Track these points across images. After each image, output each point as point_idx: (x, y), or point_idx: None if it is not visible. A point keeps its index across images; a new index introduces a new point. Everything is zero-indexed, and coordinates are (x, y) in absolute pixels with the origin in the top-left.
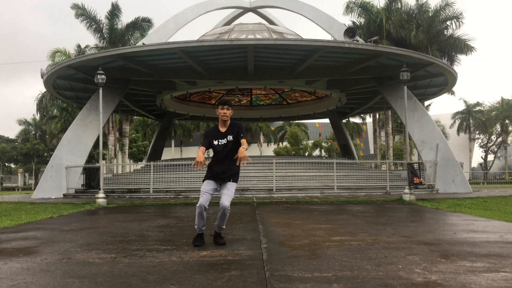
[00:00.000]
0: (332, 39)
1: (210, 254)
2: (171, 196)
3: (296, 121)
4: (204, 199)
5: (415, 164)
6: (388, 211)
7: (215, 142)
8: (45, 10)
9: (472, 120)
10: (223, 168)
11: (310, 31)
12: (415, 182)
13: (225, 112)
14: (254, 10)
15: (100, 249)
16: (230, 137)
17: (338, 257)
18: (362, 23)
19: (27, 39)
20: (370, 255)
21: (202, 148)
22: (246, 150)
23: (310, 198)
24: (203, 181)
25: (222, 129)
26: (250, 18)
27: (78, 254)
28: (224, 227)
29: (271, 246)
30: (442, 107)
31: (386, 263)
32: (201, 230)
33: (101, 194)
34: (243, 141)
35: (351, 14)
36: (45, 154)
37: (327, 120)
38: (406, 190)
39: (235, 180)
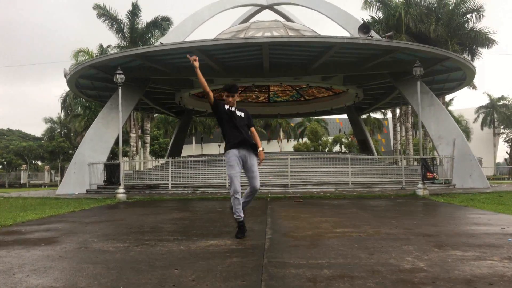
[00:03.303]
0: (348, 35)
1: (216, 243)
2: (189, 192)
3: (316, 117)
4: (238, 184)
5: (428, 159)
6: (399, 205)
7: (226, 107)
8: (74, 9)
9: (497, 114)
10: (245, 133)
11: (327, 28)
12: (428, 177)
13: (230, 100)
14: (270, 7)
15: (115, 239)
16: (240, 113)
17: (336, 246)
18: (381, 17)
19: (58, 39)
20: (367, 245)
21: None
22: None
23: (324, 193)
24: (226, 150)
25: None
26: (267, 15)
27: (95, 243)
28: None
29: (275, 237)
30: (466, 102)
31: (380, 252)
32: (241, 216)
33: (121, 189)
34: (253, 130)
35: (370, 8)
36: (70, 151)
37: (343, 117)
38: (420, 185)
39: (257, 154)
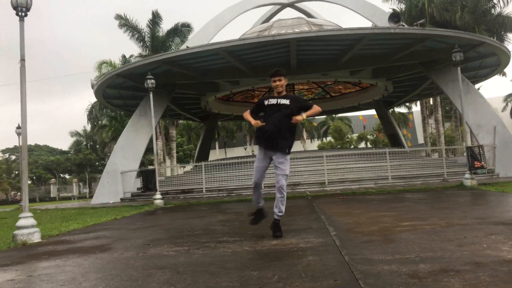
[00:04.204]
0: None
1: (281, 243)
2: (224, 195)
3: (339, 115)
4: (258, 177)
5: (475, 148)
6: (451, 196)
7: (266, 102)
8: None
9: None
10: (272, 130)
11: (348, 21)
12: (476, 166)
13: (277, 84)
14: (291, 5)
15: (171, 243)
16: (283, 101)
17: (414, 240)
18: (403, 9)
19: (78, 53)
20: (448, 237)
21: (249, 111)
22: (305, 116)
23: (365, 189)
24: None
25: (276, 95)
26: (288, 13)
27: (152, 248)
28: (282, 212)
29: (340, 233)
30: (493, 90)
31: (469, 243)
32: (258, 203)
33: (158, 195)
34: (313, 108)
35: (391, 1)
36: (97, 163)
37: (370, 112)
38: (467, 175)
39: (289, 152)
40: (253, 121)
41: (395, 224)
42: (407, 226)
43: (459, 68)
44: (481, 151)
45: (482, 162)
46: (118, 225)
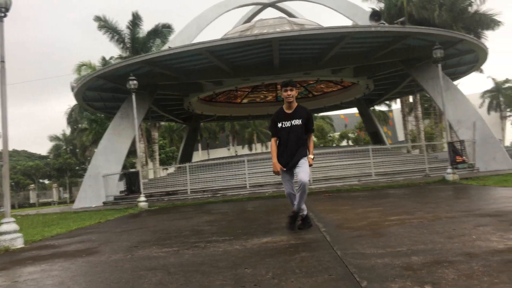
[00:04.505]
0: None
1: (272, 240)
2: (209, 196)
3: (321, 114)
4: (288, 187)
5: (456, 143)
6: (434, 191)
7: (279, 125)
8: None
9: (503, 97)
10: (292, 156)
11: (329, 21)
12: (457, 161)
13: (289, 94)
14: (272, 5)
15: (159, 245)
16: (296, 121)
17: (404, 234)
18: (382, 7)
19: (57, 56)
20: (437, 230)
21: (274, 140)
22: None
23: (349, 186)
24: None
25: (288, 111)
26: (269, 13)
27: (140, 250)
28: (304, 207)
29: (329, 229)
30: (470, 87)
31: (458, 235)
32: (293, 209)
33: (142, 198)
34: (311, 136)
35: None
36: (77, 167)
37: (352, 111)
38: (449, 170)
39: (306, 154)
40: (277, 166)
41: (383, 219)
42: (395, 221)
43: (439, 65)
44: (462, 146)
45: (464, 157)
46: (103, 229)
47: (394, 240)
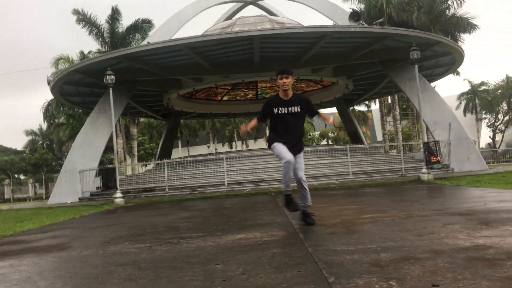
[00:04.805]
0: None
1: (245, 237)
2: (187, 193)
3: None
4: (290, 156)
5: (431, 144)
6: (409, 190)
7: (275, 111)
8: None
9: (478, 100)
10: (292, 141)
11: (310, 21)
12: (432, 161)
13: (284, 82)
14: (254, 2)
15: (132, 241)
16: (295, 109)
17: (376, 231)
18: (362, 8)
19: (35, 49)
20: (408, 228)
21: (254, 122)
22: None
23: (326, 185)
24: (270, 145)
25: (285, 98)
26: (251, 11)
27: (112, 246)
28: (308, 203)
29: (303, 227)
30: (447, 89)
31: (427, 233)
32: (289, 187)
33: (118, 194)
34: (321, 115)
35: (351, 0)
36: (54, 163)
37: (331, 110)
38: (424, 170)
39: (303, 147)
40: (247, 127)
41: (357, 217)
42: (369, 218)
43: (416, 66)
44: (437, 146)
45: (438, 157)
46: (76, 224)
47: (365, 237)
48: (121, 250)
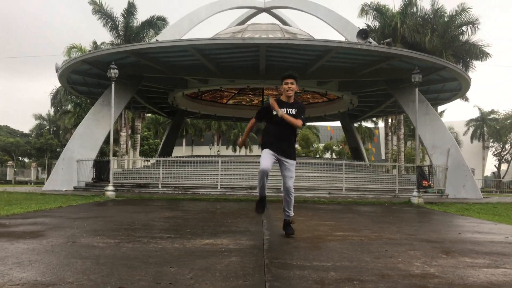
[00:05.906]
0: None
1: (212, 242)
2: (180, 192)
3: (308, 124)
4: (266, 164)
5: (424, 168)
6: (395, 212)
7: (274, 112)
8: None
9: (486, 128)
10: (283, 139)
11: (323, 34)
12: (424, 185)
13: (289, 87)
14: (267, 10)
15: (105, 235)
16: (292, 111)
17: (339, 249)
18: (377, 26)
19: (52, 34)
20: (371, 249)
21: (252, 121)
22: (290, 121)
23: (317, 198)
24: (262, 149)
25: (286, 101)
26: (263, 18)
27: (83, 238)
28: (291, 211)
29: (273, 238)
30: (456, 114)
31: (386, 256)
32: (263, 193)
33: (110, 187)
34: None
35: (366, 17)
36: (58, 149)
37: (339, 124)
38: (415, 193)
39: (295, 158)
40: (244, 136)
41: (328, 234)
42: (339, 236)
43: (417, 89)
44: (430, 170)
45: (430, 182)
46: (60, 213)
47: (325, 255)
48: (90, 244)
